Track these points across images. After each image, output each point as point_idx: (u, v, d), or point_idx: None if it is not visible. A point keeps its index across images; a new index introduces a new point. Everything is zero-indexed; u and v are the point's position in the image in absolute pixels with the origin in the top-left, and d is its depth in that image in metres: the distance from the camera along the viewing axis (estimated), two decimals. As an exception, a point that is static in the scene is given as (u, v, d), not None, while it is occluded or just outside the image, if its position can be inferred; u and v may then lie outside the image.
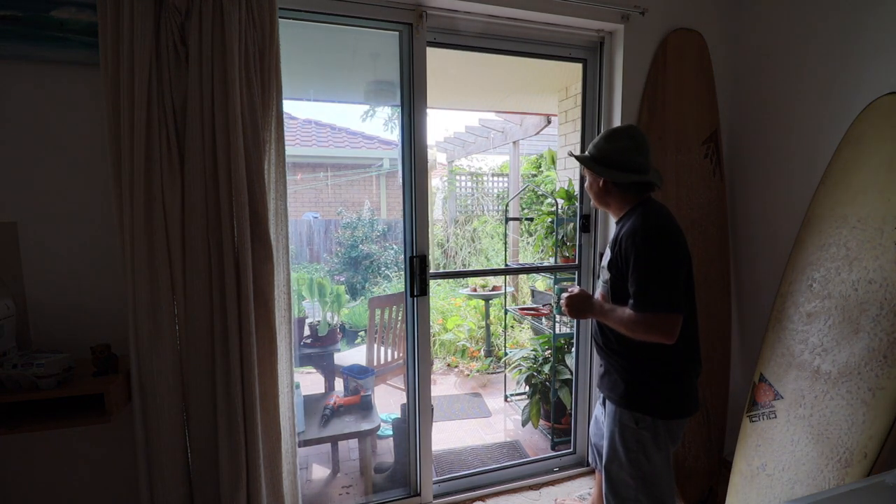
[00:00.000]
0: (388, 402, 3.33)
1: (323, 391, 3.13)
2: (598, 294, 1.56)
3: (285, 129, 1.59)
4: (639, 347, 1.40)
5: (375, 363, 3.02)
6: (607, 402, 1.54)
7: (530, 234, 4.84)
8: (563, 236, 2.79)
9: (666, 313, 1.30)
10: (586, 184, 1.59)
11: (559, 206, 2.80)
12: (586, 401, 2.36)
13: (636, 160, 1.46)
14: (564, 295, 1.56)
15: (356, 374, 2.71)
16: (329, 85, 2.44)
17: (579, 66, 2.18)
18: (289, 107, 1.59)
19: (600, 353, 1.57)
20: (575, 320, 1.57)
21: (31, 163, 1.47)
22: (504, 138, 5.40)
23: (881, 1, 1.66)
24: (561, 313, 1.53)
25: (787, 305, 1.80)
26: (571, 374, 2.47)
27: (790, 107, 1.99)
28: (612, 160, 1.47)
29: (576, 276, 2.35)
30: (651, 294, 1.30)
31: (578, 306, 1.51)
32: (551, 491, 2.23)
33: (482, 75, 3.26)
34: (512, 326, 4.56)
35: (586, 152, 1.56)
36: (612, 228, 2.16)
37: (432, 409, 2.11)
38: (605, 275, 1.49)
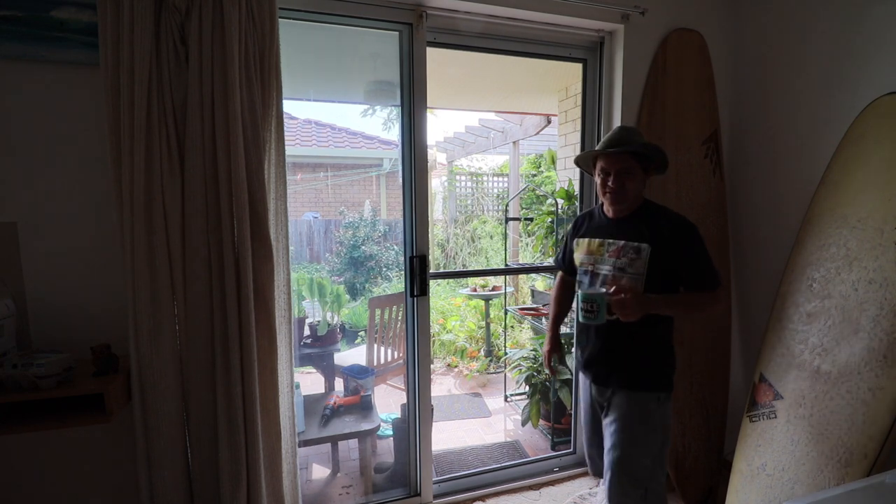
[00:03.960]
0: (388, 402, 3.34)
1: (323, 391, 3.13)
2: (605, 284, 1.53)
3: (285, 129, 1.59)
4: (659, 328, 1.51)
5: (375, 363, 3.02)
6: (618, 393, 1.54)
7: (529, 235, 4.84)
8: (563, 236, 2.79)
9: (723, 285, 1.51)
10: (614, 180, 1.49)
11: (559, 206, 2.80)
12: (586, 401, 2.36)
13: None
14: (614, 298, 1.43)
15: (356, 374, 2.71)
16: (329, 85, 2.44)
17: (579, 66, 2.18)
18: (289, 107, 1.60)
19: (615, 347, 1.54)
20: (587, 322, 1.47)
21: (31, 163, 1.47)
22: (504, 138, 5.40)
23: (881, 1, 1.66)
24: (593, 321, 1.43)
25: (787, 305, 1.80)
26: (571, 374, 2.47)
27: (790, 107, 1.99)
28: (649, 152, 1.50)
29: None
30: (716, 272, 1.48)
31: (638, 306, 1.41)
32: (551, 491, 2.23)
33: (482, 75, 3.26)
34: (512, 326, 4.55)
35: (604, 146, 1.52)
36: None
37: (432, 409, 2.11)
38: (636, 267, 1.47)
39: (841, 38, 1.79)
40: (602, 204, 1.61)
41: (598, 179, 1.56)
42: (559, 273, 1.86)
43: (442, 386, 3.90)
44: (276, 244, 1.60)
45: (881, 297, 1.50)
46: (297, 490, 1.74)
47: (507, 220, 4.14)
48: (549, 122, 4.54)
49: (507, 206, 5.05)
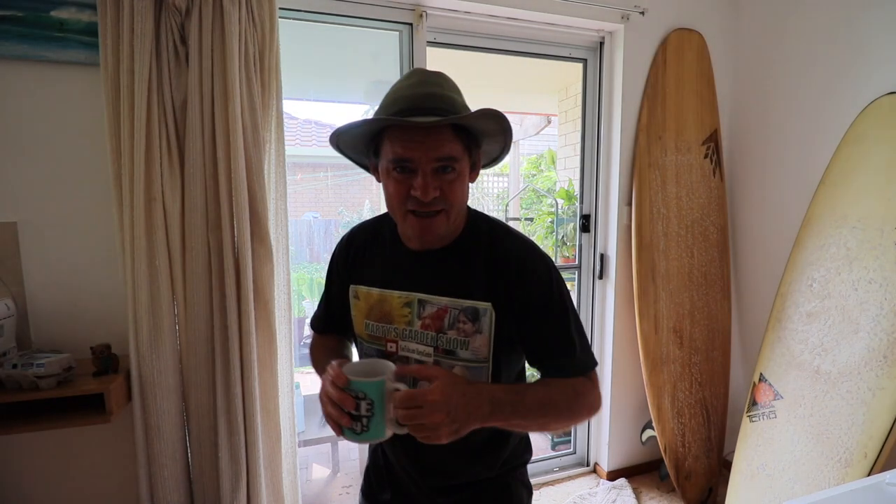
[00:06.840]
0: (388, 402, 3.33)
1: (323, 391, 3.13)
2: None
3: (285, 129, 1.59)
4: (513, 437, 0.90)
5: (375, 363, 3.01)
6: None
7: (529, 235, 4.84)
8: (563, 236, 2.79)
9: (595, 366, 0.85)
10: (431, 181, 0.77)
11: (559, 206, 2.81)
12: (586, 401, 2.35)
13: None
14: (420, 395, 0.67)
15: (356, 374, 2.71)
16: (329, 85, 2.44)
17: (579, 66, 2.18)
18: (289, 107, 1.59)
19: (449, 469, 0.87)
20: (352, 440, 0.72)
21: (31, 163, 1.47)
22: (504, 138, 5.39)
23: (881, 1, 1.66)
24: (362, 437, 0.70)
25: (787, 305, 1.80)
26: None
27: (790, 107, 1.99)
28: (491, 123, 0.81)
29: (575, 279, 2.34)
30: (587, 345, 0.84)
31: (465, 407, 0.68)
32: (551, 491, 2.22)
33: (482, 75, 3.26)
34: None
35: (409, 108, 0.75)
36: (613, 228, 2.16)
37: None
38: (476, 347, 0.80)
39: (841, 39, 1.79)
40: (394, 224, 0.87)
41: (383, 177, 0.82)
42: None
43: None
44: (276, 244, 1.60)
45: (881, 297, 1.50)
46: (297, 490, 1.74)
47: (507, 220, 4.14)
48: (549, 122, 4.55)
49: (507, 206, 5.05)
